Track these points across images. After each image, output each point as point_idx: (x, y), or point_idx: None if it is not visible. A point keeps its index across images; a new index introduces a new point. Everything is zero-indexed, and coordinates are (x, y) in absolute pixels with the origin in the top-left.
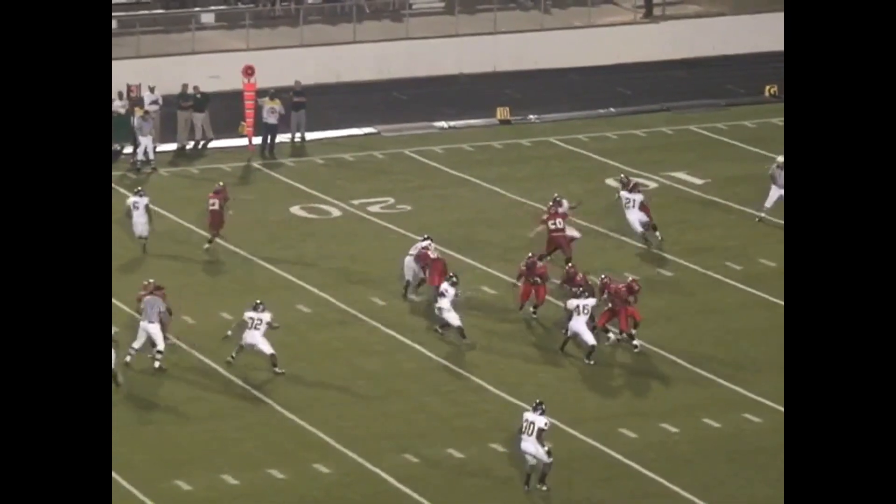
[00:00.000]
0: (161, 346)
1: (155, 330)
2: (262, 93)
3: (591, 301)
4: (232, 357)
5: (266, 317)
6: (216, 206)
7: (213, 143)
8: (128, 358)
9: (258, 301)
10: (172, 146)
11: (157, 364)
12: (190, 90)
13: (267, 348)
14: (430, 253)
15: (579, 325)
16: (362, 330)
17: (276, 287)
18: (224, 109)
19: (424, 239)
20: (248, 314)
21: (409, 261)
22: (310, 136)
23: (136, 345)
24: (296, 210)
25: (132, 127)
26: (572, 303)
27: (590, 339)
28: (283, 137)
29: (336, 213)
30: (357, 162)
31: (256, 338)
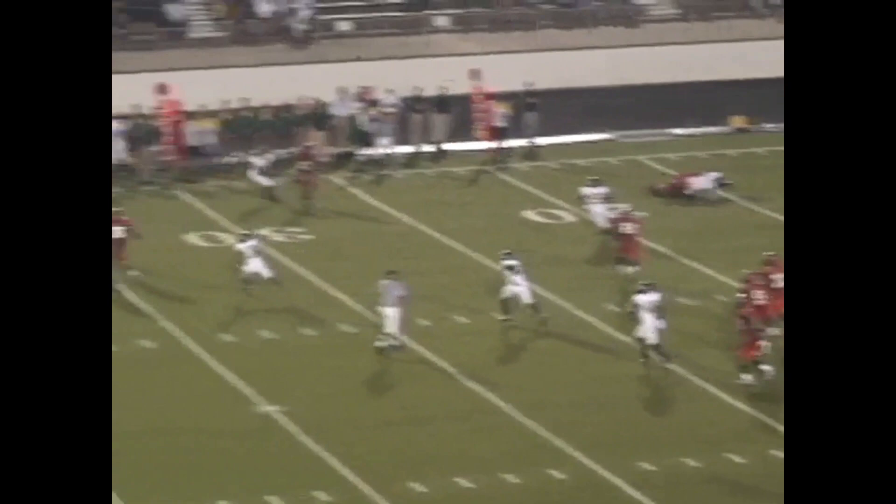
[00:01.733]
0: (393, 329)
1: (392, 313)
2: (491, 96)
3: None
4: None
5: (256, 240)
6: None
7: (446, 146)
8: (382, 343)
9: (244, 231)
10: (408, 149)
11: (386, 343)
12: (433, 91)
13: (267, 271)
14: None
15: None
16: (596, 334)
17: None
18: (457, 113)
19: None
20: (240, 246)
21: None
22: (543, 140)
23: (388, 330)
24: (528, 214)
25: (364, 129)
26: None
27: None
28: (516, 142)
29: (570, 217)
30: (591, 167)
31: (258, 265)
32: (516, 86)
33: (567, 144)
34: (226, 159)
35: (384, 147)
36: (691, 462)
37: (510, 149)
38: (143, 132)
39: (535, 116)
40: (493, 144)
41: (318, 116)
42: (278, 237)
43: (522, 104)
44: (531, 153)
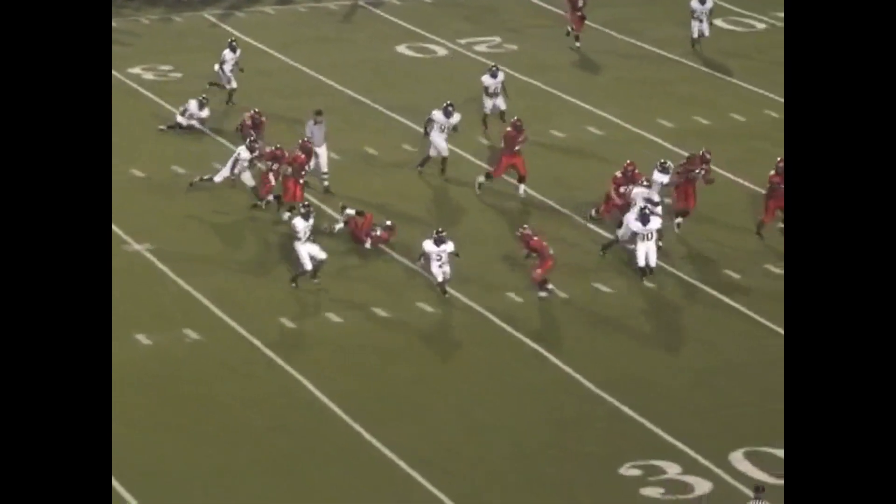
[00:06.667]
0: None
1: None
2: None
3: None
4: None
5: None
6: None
7: None
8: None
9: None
10: None
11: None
12: None
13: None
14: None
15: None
16: (465, 169)
17: (386, 127)
18: None
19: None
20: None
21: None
22: None
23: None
24: (402, 49)
25: None
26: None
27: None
28: None
29: (442, 52)
30: (466, 1)
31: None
32: None
33: None
34: None
35: None
36: None
37: None
38: None
39: None
40: None
41: None
42: (148, 75)
43: None
44: None
